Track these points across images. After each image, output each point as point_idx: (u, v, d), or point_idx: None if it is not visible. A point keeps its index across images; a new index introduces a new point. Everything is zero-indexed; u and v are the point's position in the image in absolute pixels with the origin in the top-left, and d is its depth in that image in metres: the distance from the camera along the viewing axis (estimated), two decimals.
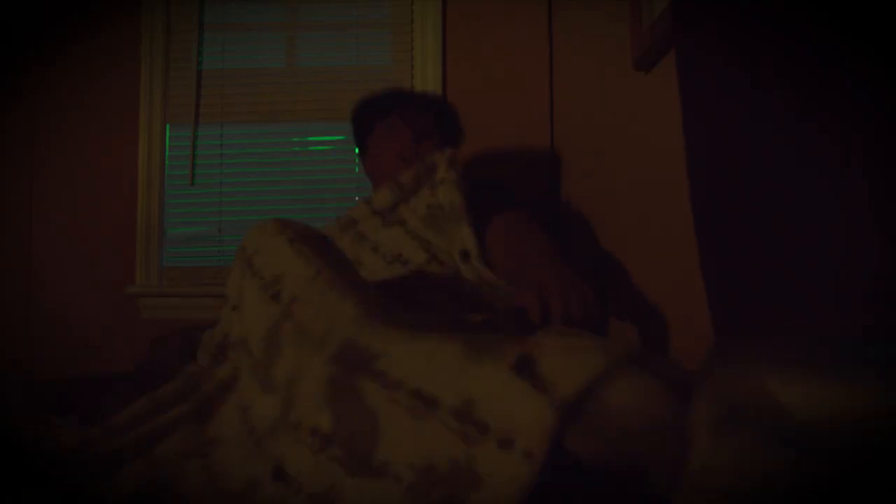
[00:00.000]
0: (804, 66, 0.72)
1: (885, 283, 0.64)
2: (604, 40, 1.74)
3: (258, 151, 2.50)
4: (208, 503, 0.89)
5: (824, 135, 0.71)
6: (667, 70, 1.28)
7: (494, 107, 2.37)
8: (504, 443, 0.73)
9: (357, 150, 1.93)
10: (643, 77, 1.43)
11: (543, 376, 0.74)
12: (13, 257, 2.43)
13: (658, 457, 0.67)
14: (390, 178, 1.65)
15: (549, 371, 0.74)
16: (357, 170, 2.40)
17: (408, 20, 2.47)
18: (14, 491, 0.89)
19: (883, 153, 0.64)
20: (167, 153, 2.49)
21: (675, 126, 1.00)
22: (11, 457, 0.98)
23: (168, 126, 2.50)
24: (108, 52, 2.49)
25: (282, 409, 0.97)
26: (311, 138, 2.50)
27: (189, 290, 2.39)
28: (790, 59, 0.75)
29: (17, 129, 2.47)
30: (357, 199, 1.95)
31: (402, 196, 1.58)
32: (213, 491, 0.91)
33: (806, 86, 0.72)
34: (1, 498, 0.87)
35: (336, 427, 0.87)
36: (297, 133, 2.50)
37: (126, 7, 2.49)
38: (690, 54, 0.88)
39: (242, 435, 1.01)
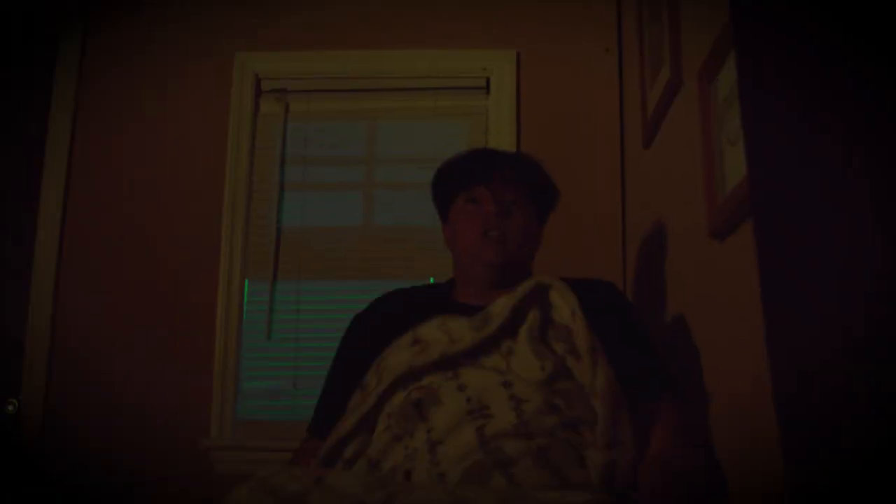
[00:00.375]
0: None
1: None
2: (678, 204, 1.89)
3: (334, 308, 2.66)
4: None
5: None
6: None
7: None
8: None
9: (439, 218, 1.79)
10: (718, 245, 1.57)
11: None
12: (91, 405, 2.57)
13: None
14: (491, 301, 1.48)
15: None
16: None
17: None
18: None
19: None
20: (245, 307, 2.67)
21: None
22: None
23: (247, 281, 2.69)
24: (195, 211, 2.72)
25: None
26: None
27: (264, 443, 2.50)
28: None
29: (100, 283, 2.67)
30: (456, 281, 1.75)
31: (505, 329, 1.41)
32: None
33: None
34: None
35: None
36: (373, 290, 2.67)
37: (211, 172, 2.74)
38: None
39: None
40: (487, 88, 2.77)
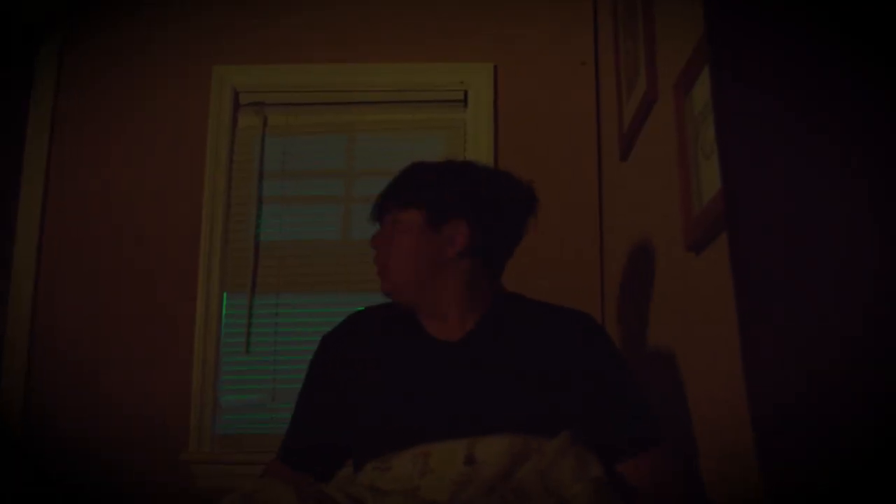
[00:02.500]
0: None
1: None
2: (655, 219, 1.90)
3: (312, 322, 2.65)
4: None
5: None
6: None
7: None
8: None
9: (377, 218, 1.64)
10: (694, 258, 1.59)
11: None
12: (70, 418, 2.54)
13: None
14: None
15: None
16: None
17: None
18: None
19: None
20: (224, 321, 2.65)
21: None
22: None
23: (225, 295, 2.68)
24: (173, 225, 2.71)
25: None
26: (361, 308, 2.65)
27: (242, 457, 2.48)
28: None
29: (79, 296, 2.65)
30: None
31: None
32: None
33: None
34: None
35: None
36: (351, 304, 2.66)
37: (189, 186, 2.73)
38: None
39: None
40: (465, 102, 2.79)
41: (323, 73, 2.81)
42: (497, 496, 1.23)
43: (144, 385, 2.57)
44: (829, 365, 0.75)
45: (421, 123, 2.79)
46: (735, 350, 0.99)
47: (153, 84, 2.80)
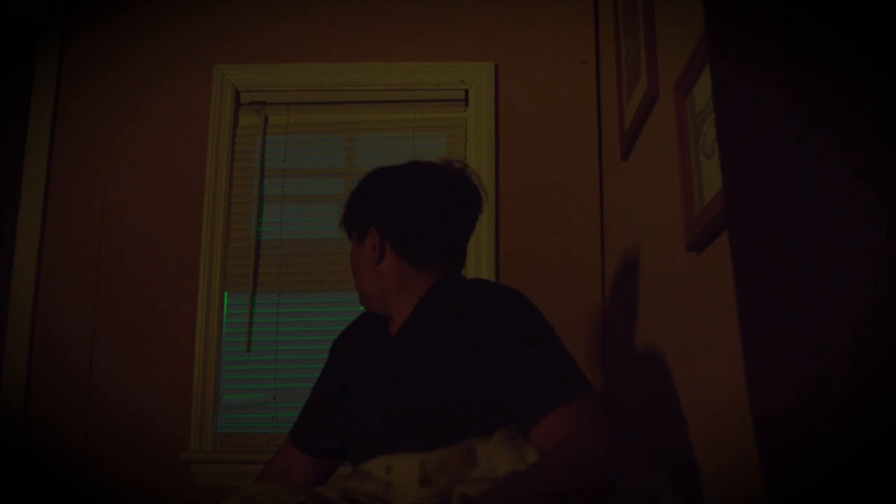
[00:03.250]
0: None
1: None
2: (657, 221, 1.91)
3: (313, 321, 2.66)
4: None
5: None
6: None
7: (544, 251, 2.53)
8: None
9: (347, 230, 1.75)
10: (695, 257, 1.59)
11: None
12: (71, 417, 2.55)
13: None
14: None
15: None
16: None
17: None
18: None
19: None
20: (224, 320, 2.65)
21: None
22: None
23: (226, 293, 2.68)
24: (174, 223, 2.71)
25: None
26: (362, 307, 2.65)
27: (243, 456, 2.48)
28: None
29: (79, 295, 2.65)
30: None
31: None
32: None
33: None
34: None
35: None
36: (353, 302, 2.66)
37: (190, 185, 2.73)
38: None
39: None
40: (466, 100, 2.79)
41: (324, 72, 2.81)
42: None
43: (145, 384, 2.57)
44: (830, 364, 0.75)
45: (422, 122, 2.79)
46: (736, 349, 0.99)
47: (154, 83, 2.80)
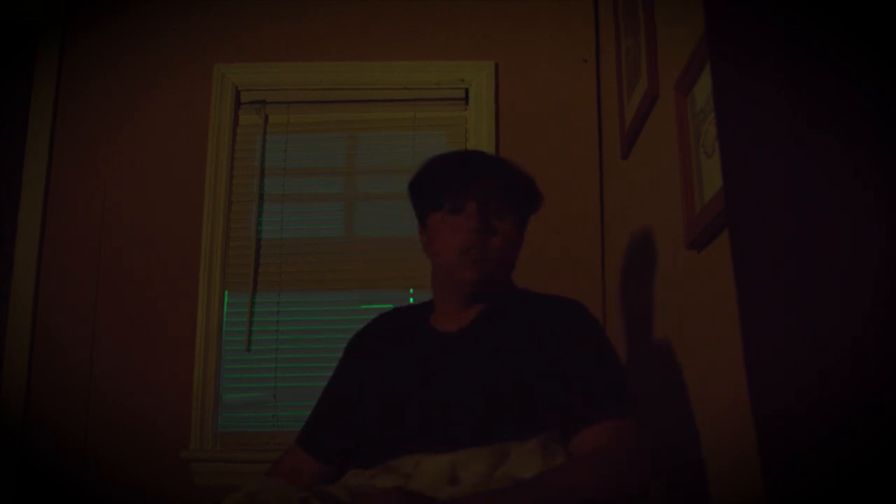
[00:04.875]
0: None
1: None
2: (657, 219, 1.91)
3: (314, 319, 2.67)
4: None
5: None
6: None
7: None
8: None
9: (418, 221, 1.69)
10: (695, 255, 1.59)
11: None
12: (71, 417, 2.55)
13: None
14: None
15: None
16: None
17: None
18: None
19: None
20: (224, 319, 2.66)
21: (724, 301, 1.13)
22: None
23: (226, 293, 2.68)
24: (174, 223, 2.71)
25: None
26: (362, 306, 2.67)
27: (244, 455, 2.48)
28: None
29: (79, 295, 2.66)
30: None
31: None
32: None
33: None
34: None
35: None
36: (353, 301, 2.67)
37: (190, 184, 2.73)
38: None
39: None
40: (466, 99, 2.79)
41: (324, 70, 2.81)
42: None
43: (145, 383, 2.58)
44: (830, 364, 0.75)
45: (422, 121, 2.79)
46: (736, 348, 0.99)
47: (154, 82, 2.80)
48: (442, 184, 1.58)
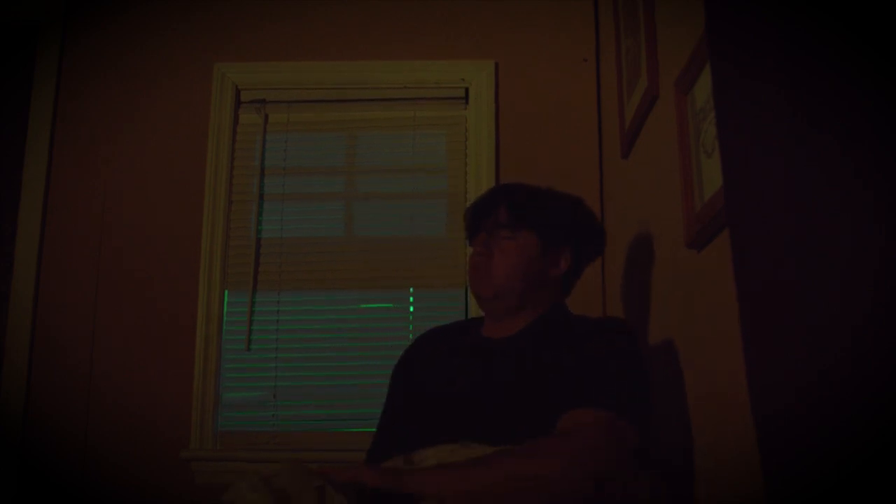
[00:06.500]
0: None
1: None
2: (655, 217, 1.91)
3: (314, 318, 2.67)
4: None
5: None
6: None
7: None
8: None
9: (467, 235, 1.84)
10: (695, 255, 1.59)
11: None
12: (71, 417, 2.55)
13: None
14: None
15: None
16: (411, 336, 2.54)
17: (463, 201, 2.69)
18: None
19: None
20: (224, 319, 2.66)
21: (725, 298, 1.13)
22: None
23: (226, 292, 2.68)
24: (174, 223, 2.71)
25: None
26: (362, 305, 2.67)
27: (243, 455, 2.49)
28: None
29: (79, 295, 2.66)
30: None
31: None
32: None
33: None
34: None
35: None
36: (353, 300, 2.67)
37: (190, 184, 2.73)
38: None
39: None
40: (466, 99, 2.79)
41: (324, 70, 2.81)
42: None
43: (145, 383, 2.57)
44: (831, 363, 0.75)
45: (422, 121, 2.79)
46: (737, 347, 0.99)
47: (154, 81, 2.80)
48: (468, 223, 1.81)
